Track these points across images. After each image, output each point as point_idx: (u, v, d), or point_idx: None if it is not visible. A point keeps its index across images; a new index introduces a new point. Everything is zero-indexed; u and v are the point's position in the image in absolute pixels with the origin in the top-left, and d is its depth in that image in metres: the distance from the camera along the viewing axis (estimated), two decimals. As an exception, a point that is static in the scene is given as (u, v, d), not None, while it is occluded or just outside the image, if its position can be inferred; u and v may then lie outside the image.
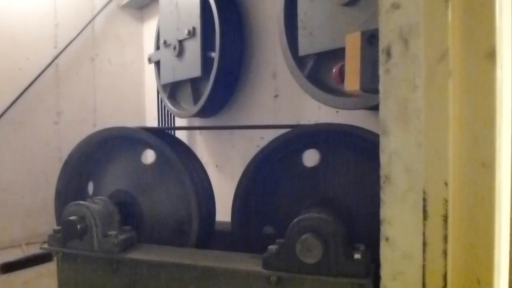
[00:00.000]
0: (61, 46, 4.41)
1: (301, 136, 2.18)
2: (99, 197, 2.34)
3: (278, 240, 1.91)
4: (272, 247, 1.88)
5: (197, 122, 3.91)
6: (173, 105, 3.82)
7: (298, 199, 2.25)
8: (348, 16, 2.19)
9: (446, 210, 1.07)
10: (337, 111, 2.81)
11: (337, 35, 2.24)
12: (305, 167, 2.26)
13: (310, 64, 2.50)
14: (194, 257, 2.03)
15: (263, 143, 3.41)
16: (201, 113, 3.56)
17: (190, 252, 2.15)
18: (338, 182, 2.17)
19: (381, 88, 1.22)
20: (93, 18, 4.55)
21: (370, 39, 1.27)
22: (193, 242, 2.30)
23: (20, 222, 4.18)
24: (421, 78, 1.12)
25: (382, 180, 1.22)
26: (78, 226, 2.11)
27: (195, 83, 3.52)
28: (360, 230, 2.09)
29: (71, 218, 2.12)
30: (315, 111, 2.99)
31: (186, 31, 3.38)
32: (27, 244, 4.19)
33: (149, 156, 2.54)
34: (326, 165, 2.19)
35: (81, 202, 2.19)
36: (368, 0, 2.12)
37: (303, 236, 1.76)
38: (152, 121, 4.64)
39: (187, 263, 1.98)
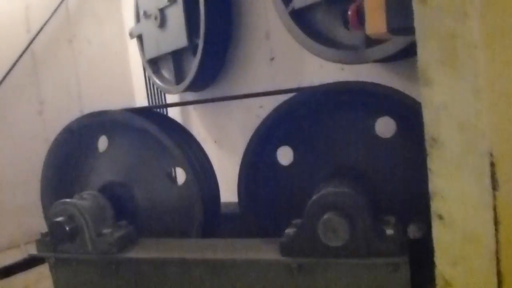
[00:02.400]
0: (34, 29, 4.07)
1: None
2: (88, 191, 2.09)
3: (295, 221, 1.67)
4: (290, 230, 1.64)
5: (189, 97, 3.61)
6: (162, 81, 3.51)
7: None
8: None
9: (526, 176, 0.81)
10: (342, 68, 2.53)
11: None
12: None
13: (307, 16, 2.20)
14: (201, 250, 1.79)
15: (263, 113, 3.15)
16: (192, 87, 3.26)
17: (196, 243, 1.90)
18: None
19: (417, 25, 0.93)
20: (66, -5, 4.19)
21: (396, -37, 0.98)
22: (199, 230, 2.05)
23: (15, 221, 3.94)
24: (475, 5, 0.83)
25: (428, 144, 0.96)
26: (67, 228, 1.86)
27: (182, 54, 3.21)
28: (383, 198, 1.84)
29: (58, 219, 1.87)
30: (317, 71, 2.70)
31: (166, -3, 3.05)
32: (26, 243, 3.97)
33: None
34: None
35: (68, 200, 1.94)
36: None
37: (325, 216, 1.51)
38: (142, 100, 4.33)
39: (194, 258, 1.74)
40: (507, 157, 0.83)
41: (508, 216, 0.83)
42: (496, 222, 0.85)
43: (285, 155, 2.07)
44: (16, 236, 3.94)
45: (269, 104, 3.17)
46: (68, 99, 4.27)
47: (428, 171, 0.96)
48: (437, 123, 0.93)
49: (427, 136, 0.96)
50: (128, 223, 2.02)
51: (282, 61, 2.89)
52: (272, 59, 2.92)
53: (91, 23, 4.40)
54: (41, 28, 4.08)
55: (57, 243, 1.93)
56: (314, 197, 1.57)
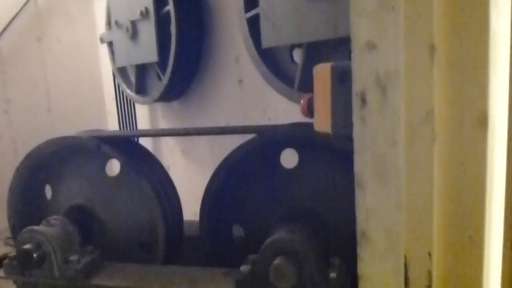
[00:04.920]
0: (1, 26, 4.02)
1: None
2: (55, 216, 2.18)
3: (250, 257, 1.82)
4: (245, 268, 1.80)
5: (159, 107, 3.69)
6: (131, 90, 3.57)
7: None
8: (314, 9, 2.01)
9: (430, 281, 0.98)
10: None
11: (303, 28, 2.06)
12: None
13: (275, 57, 2.33)
14: (162, 279, 1.94)
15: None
16: (162, 99, 3.34)
17: (158, 271, 2.04)
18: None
19: (355, 137, 1.09)
20: (35, -9, 4.13)
21: (342, 76, 1.12)
22: (161, 255, 2.20)
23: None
24: (401, 136, 0.99)
25: (359, 235, 1.12)
26: (35, 255, 1.96)
27: (152, 66, 3.28)
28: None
29: (26, 247, 1.96)
30: (283, 98, 2.84)
31: (138, 12, 3.09)
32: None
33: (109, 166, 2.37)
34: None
35: (36, 228, 2.03)
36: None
37: (276, 261, 1.68)
38: (111, 101, 4.37)
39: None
40: (416, 264, 1.00)
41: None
42: (407, 313, 1.03)
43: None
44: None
45: (237, 123, 3.31)
46: (36, 98, 4.26)
47: (358, 256, 1.13)
48: (366, 222, 1.09)
49: (358, 229, 1.12)
50: (94, 248, 2.13)
51: (249, 84, 3.01)
52: (240, 81, 3.04)
53: (61, 21, 4.36)
54: (8, 24, 4.03)
55: (24, 269, 2.03)
56: (267, 242, 1.73)
